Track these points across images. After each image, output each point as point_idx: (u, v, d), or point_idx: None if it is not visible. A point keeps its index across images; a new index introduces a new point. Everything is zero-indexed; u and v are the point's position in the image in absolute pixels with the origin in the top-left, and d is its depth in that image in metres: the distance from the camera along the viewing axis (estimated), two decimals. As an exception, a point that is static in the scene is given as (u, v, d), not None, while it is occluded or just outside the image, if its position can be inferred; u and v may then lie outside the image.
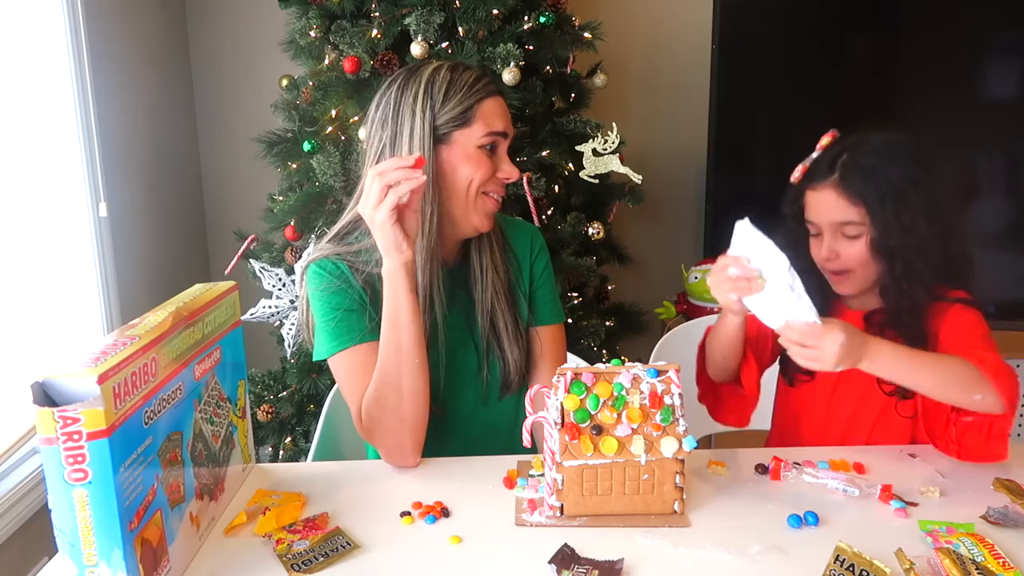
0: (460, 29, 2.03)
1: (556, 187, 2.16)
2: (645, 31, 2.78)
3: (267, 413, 2.12)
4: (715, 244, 2.59)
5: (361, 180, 1.29)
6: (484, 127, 1.24)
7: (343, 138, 2.10)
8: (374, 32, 2.03)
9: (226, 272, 2.18)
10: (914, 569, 0.90)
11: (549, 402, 1.05)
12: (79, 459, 0.78)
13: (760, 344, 1.36)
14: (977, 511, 1.04)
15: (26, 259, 2.03)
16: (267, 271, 2.11)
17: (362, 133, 1.33)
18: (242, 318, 1.19)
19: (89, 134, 2.12)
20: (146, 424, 0.86)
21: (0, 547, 1.78)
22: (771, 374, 1.43)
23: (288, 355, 2.16)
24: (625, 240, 2.52)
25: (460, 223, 1.28)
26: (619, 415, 1.04)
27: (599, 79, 2.32)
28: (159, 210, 2.57)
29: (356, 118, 2.06)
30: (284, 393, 2.15)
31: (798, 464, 1.16)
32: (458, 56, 2.00)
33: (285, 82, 2.23)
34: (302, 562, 0.95)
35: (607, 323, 2.31)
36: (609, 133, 2.16)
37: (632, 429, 1.03)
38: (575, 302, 2.19)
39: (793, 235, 1.29)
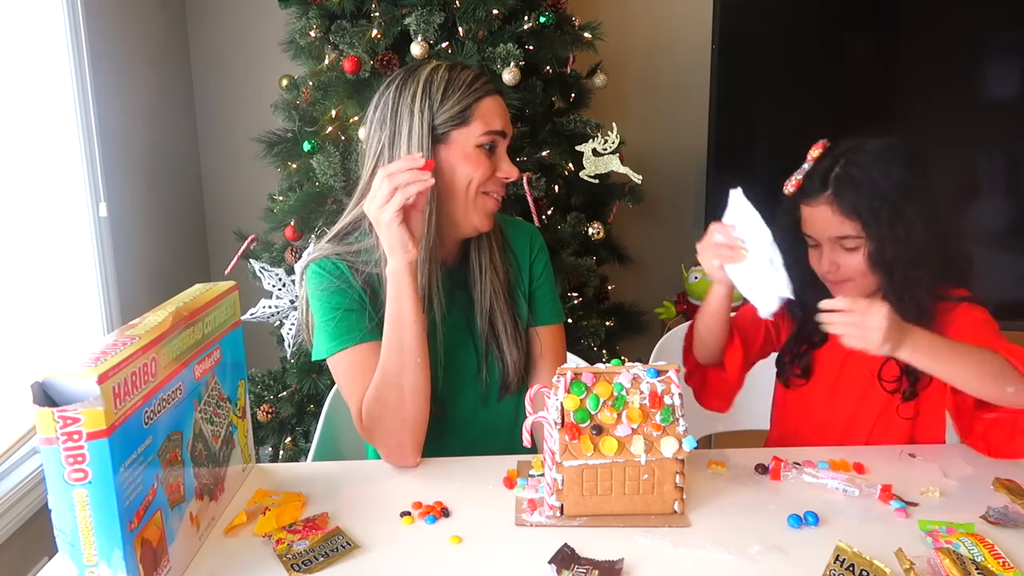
0: (460, 29, 2.03)
1: (556, 187, 2.16)
2: (645, 31, 2.78)
3: (267, 413, 2.12)
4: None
5: (361, 180, 1.29)
6: (482, 126, 1.24)
7: (343, 138, 2.10)
8: (374, 32, 2.03)
9: (226, 272, 2.18)
10: (914, 569, 0.90)
11: (549, 402, 1.05)
12: (79, 459, 0.78)
13: (751, 333, 1.36)
14: (977, 511, 1.04)
15: (26, 259, 2.03)
16: (267, 271, 2.11)
17: (361, 133, 1.33)
18: (242, 318, 1.19)
19: (89, 134, 2.12)
20: (146, 424, 0.86)
21: (0, 547, 1.78)
22: (770, 374, 1.43)
23: (288, 355, 2.16)
24: (625, 240, 2.52)
25: (460, 223, 1.28)
26: (619, 415, 1.04)
27: (599, 79, 2.32)
28: (159, 210, 2.57)
29: (356, 118, 2.05)
30: (284, 393, 2.15)
31: (798, 464, 1.16)
32: (458, 56, 2.00)
33: (285, 82, 2.22)
34: (302, 562, 0.95)
35: (607, 323, 2.31)
36: (609, 133, 2.16)
37: (632, 429, 1.03)
38: (575, 302, 2.19)
39: (791, 245, 1.28)
